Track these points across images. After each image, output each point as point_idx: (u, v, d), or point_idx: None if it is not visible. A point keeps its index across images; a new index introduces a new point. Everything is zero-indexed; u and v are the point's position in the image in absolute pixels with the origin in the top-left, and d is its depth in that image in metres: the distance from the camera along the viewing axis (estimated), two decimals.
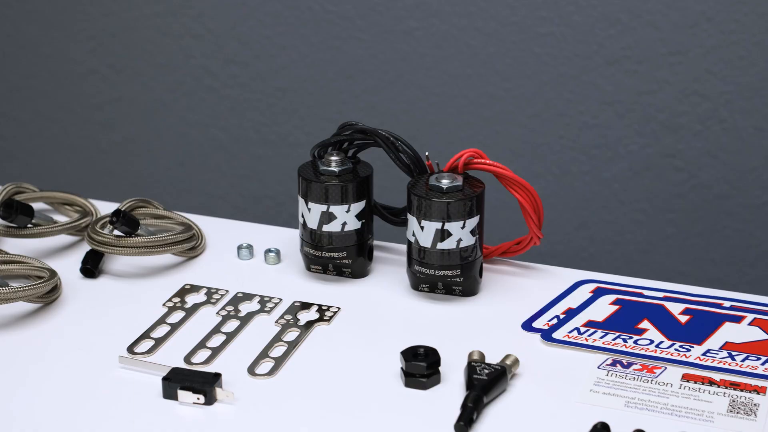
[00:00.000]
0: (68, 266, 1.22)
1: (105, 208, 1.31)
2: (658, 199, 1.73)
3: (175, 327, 1.13)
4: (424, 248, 1.14)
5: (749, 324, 1.11)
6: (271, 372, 1.06)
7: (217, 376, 1.03)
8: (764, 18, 1.62)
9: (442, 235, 1.13)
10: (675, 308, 1.13)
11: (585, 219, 1.76)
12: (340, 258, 1.18)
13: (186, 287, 1.19)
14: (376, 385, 1.04)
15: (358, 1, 1.77)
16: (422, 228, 1.13)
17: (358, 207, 1.17)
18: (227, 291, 1.18)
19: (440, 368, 1.04)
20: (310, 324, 1.13)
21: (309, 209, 1.17)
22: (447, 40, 1.75)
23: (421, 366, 1.03)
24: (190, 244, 1.23)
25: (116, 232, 1.21)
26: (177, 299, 1.17)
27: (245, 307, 1.16)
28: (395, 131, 1.83)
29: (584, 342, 1.09)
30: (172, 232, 1.21)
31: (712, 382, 1.03)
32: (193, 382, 1.03)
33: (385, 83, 1.80)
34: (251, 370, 1.06)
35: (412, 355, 1.04)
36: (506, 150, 1.75)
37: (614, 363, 1.06)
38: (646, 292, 1.16)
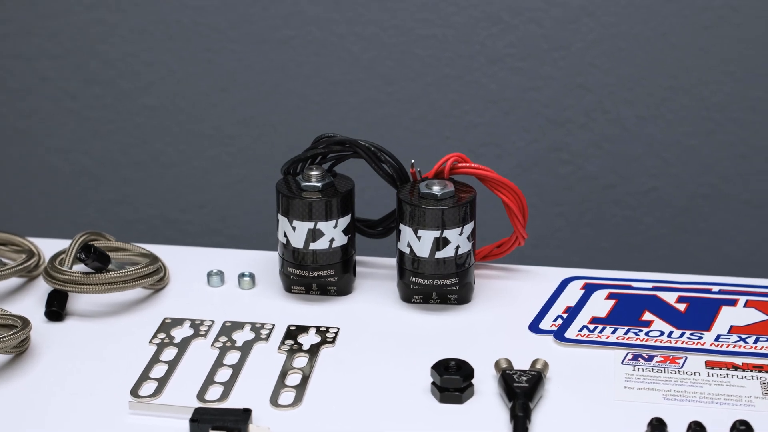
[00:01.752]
0: (24, 310, 1.13)
1: (44, 246, 1.22)
2: (546, 193, 1.75)
3: (172, 365, 1.06)
4: (421, 258, 1.11)
5: (744, 306, 1.13)
6: (295, 402, 1.01)
7: (247, 412, 0.98)
8: (641, 10, 1.66)
9: (441, 243, 1.10)
10: (669, 297, 1.14)
11: (476, 218, 1.75)
12: (327, 276, 1.14)
13: (167, 321, 1.12)
14: (409, 403, 1.01)
15: (230, 11, 1.71)
16: (419, 238, 1.10)
17: (344, 222, 1.13)
18: (213, 321, 1.12)
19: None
20: (315, 348, 1.08)
21: (294, 228, 1.12)
22: (326, 47, 1.72)
23: (457, 379, 1.00)
24: (159, 276, 1.16)
25: (76, 268, 1.13)
26: (163, 335, 1.10)
27: (239, 337, 1.10)
28: (275, 143, 1.79)
29: (598, 339, 1.08)
30: (140, 265, 1.14)
31: (735, 367, 1.04)
32: (224, 421, 0.97)
33: (262, 94, 1.75)
34: (274, 402, 1.01)
35: (443, 368, 1.01)
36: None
37: (635, 357, 1.06)
38: (634, 284, 1.17)
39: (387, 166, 1.14)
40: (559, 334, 1.09)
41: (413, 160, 1.13)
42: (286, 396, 1.02)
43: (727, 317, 1.11)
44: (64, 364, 1.06)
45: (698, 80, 1.67)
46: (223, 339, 1.09)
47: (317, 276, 1.14)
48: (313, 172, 1.13)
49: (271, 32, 1.72)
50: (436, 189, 1.11)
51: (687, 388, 1.01)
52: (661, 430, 0.95)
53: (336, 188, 1.13)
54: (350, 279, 1.16)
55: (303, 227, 1.12)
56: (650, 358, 1.05)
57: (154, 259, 1.15)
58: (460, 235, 1.11)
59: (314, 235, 1.12)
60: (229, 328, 1.11)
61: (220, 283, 1.18)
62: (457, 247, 1.11)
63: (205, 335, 1.10)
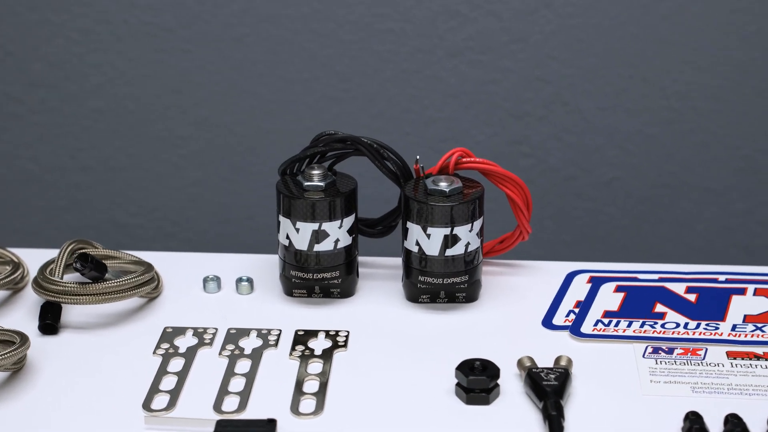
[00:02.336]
0: (14, 325, 1.07)
1: (25, 256, 1.17)
2: None
3: (182, 375, 1.01)
4: (429, 256, 1.08)
5: (754, 295, 1.12)
6: (317, 410, 0.97)
7: (272, 422, 0.94)
8: (599, 0, 1.65)
9: (451, 240, 1.07)
10: (677, 288, 1.13)
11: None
12: (331, 278, 1.10)
13: (168, 330, 1.07)
14: (435, 406, 0.98)
15: (180, 10, 1.66)
16: (428, 235, 1.07)
17: (349, 221, 1.10)
18: (216, 329, 1.08)
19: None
20: (328, 352, 1.05)
21: (297, 229, 1.08)
22: (281, 44, 1.68)
23: (483, 380, 0.98)
24: (154, 284, 1.11)
25: (67, 278, 1.08)
26: (166, 345, 1.05)
27: (247, 344, 1.06)
28: (229, 144, 1.74)
29: (615, 333, 1.06)
30: (136, 273, 1.09)
31: (757, 357, 1.03)
32: None
33: (216, 95, 1.70)
34: (295, 410, 0.97)
35: (468, 369, 0.98)
36: None
37: (656, 350, 1.04)
38: (640, 276, 1.15)
39: (390, 163, 1.10)
40: (575, 329, 1.07)
41: (418, 156, 1.10)
42: (307, 404, 0.98)
43: (739, 306, 1.10)
44: (66, 379, 1.01)
45: (658, 69, 1.67)
46: (231, 347, 1.05)
47: (321, 278, 1.10)
48: (315, 171, 1.09)
49: (224, 30, 1.67)
50: (444, 185, 1.08)
51: (713, 380, 1.00)
52: (699, 424, 0.93)
53: (339, 187, 1.09)
54: (354, 280, 1.12)
55: (307, 228, 1.08)
56: (670, 351, 1.04)
57: (148, 266, 1.11)
58: (470, 231, 1.08)
59: (318, 236, 1.08)
60: (235, 335, 1.07)
61: (216, 289, 1.14)
62: (467, 244, 1.08)
63: (210, 344, 1.06)
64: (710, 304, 1.10)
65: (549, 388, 0.96)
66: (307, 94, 1.70)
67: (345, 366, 1.03)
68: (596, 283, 1.14)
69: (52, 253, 1.15)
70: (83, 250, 1.11)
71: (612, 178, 1.72)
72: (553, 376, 0.98)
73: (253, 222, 1.76)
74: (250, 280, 1.13)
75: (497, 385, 0.99)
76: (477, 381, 0.97)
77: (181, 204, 1.76)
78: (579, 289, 1.13)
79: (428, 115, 1.71)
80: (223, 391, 0.99)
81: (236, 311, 1.11)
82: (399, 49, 1.68)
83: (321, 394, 0.99)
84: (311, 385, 1.00)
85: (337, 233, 1.08)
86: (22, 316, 1.09)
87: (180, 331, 1.07)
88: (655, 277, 1.15)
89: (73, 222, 1.77)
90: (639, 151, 1.71)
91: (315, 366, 1.03)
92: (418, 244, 1.08)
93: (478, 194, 1.08)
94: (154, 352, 1.04)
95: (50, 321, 1.06)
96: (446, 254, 1.08)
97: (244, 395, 0.99)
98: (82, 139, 1.73)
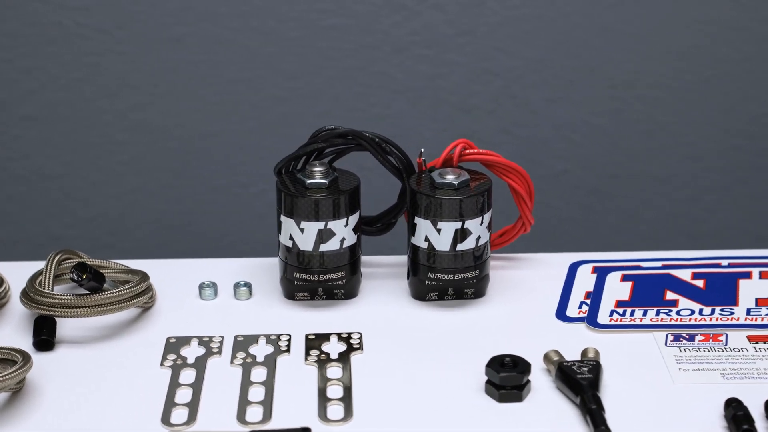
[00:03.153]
0: (2, 343, 1.00)
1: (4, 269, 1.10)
2: None
3: (196, 387, 0.96)
4: (439, 252, 1.05)
5: (760, 278, 1.11)
6: (347, 416, 0.93)
7: (306, 431, 0.89)
8: None
9: (462, 234, 1.04)
10: (683, 275, 1.11)
11: None
12: (336, 279, 1.06)
13: (171, 341, 1.02)
14: (466, 405, 0.94)
15: (115, 11, 1.60)
16: (438, 230, 1.04)
17: (354, 219, 1.06)
18: (222, 337, 1.03)
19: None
20: (344, 356, 1.00)
21: (302, 229, 1.04)
22: (221, 43, 1.62)
23: (516, 376, 0.94)
24: (150, 293, 1.05)
25: (58, 290, 1.02)
26: (173, 356, 1.00)
27: (258, 351, 1.01)
28: (170, 148, 1.67)
29: (632, 323, 1.04)
30: (132, 283, 1.03)
31: None
32: None
33: (155, 98, 1.64)
34: (323, 417, 0.93)
35: (499, 365, 0.95)
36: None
37: (677, 338, 1.02)
38: (644, 264, 1.13)
39: (393, 158, 1.07)
40: (592, 320, 1.04)
41: (422, 149, 1.07)
42: (335, 410, 0.93)
43: (748, 290, 1.09)
44: (71, 397, 0.95)
45: (603, 59, 1.66)
46: (242, 355, 1.00)
47: (326, 279, 1.06)
48: (317, 168, 1.05)
49: (162, 30, 1.62)
50: (451, 178, 1.05)
51: (741, 366, 0.99)
52: (743, 411, 0.91)
53: (343, 184, 1.05)
54: (358, 281, 1.08)
55: (312, 228, 1.04)
56: (692, 338, 1.02)
57: (144, 275, 1.05)
58: (481, 224, 1.05)
59: (323, 235, 1.04)
60: (243, 342, 1.02)
61: (213, 295, 1.08)
62: (478, 238, 1.05)
63: (219, 352, 1.00)
64: (719, 290, 1.09)
65: (585, 382, 0.94)
66: (250, 94, 1.65)
67: (364, 369, 0.99)
68: (601, 273, 1.12)
69: (28, 265, 1.09)
70: (66, 260, 1.05)
71: (561, 171, 1.71)
72: (585, 368, 0.95)
73: (195, 228, 1.71)
74: (248, 285, 1.08)
75: (528, 381, 0.96)
76: (509, 378, 0.94)
77: (120, 213, 1.69)
78: (585, 279, 1.11)
79: (375, 112, 1.67)
80: (244, 401, 0.94)
81: (238, 317, 1.06)
82: (343, 45, 1.64)
83: (347, 399, 0.94)
84: (335, 391, 0.96)
85: (343, 232, 1.04)
86: (11, 332, 1.03)
87: (184, 341, 1.02)
88: (659, 264, 1.13)
89: (4, 235, 1.69)
90: (586, 142, 1.70)
91: (334, 370, 0.98)
92: (427, 239, 1.04)
93: (486, 186, 1.05)
94: (162, 364, 0.99)
95: (46, 336, 0.99)
96: (457, 249, 1.04)
97: (267, 404, 0.94)
98: (12, 148, 1.66)
